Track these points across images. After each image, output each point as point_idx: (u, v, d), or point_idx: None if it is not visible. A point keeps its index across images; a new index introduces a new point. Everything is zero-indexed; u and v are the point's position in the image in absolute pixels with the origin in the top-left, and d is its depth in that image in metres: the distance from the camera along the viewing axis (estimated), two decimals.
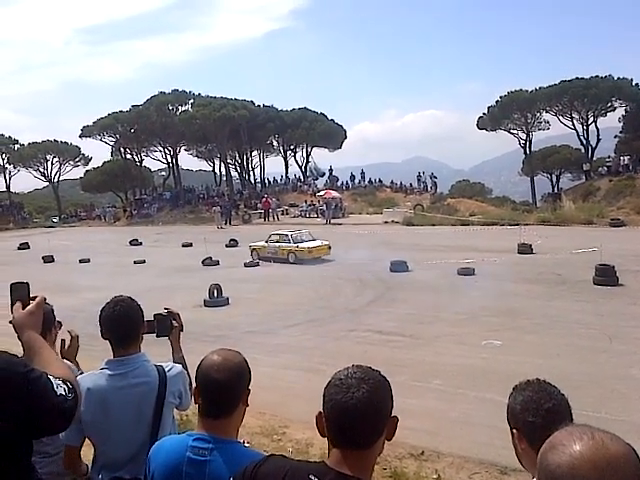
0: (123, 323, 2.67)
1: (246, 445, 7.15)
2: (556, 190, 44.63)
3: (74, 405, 1.78)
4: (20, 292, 1.99)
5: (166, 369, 2.73)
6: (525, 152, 46.86)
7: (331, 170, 53.12)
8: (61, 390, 1.74)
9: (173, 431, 2.78)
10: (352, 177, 51.19)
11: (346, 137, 57.96)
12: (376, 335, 11.42)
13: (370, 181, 50.35)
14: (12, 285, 1.99)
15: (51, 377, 1.73)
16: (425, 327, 11.80)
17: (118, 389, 2.60)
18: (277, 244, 23.13)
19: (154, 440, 2.58)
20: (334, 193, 41.81)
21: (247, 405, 2.11)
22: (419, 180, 47.49)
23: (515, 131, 46.01)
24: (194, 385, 2.07)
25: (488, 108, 46.01)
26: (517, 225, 26.33)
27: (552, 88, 42.69)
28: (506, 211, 33.38)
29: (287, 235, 23.21)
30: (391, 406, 1.60)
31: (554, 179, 47.20)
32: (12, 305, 1.97)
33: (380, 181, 50.31)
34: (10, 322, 1.97)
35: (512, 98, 43.98)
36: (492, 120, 45.66)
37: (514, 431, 1.88)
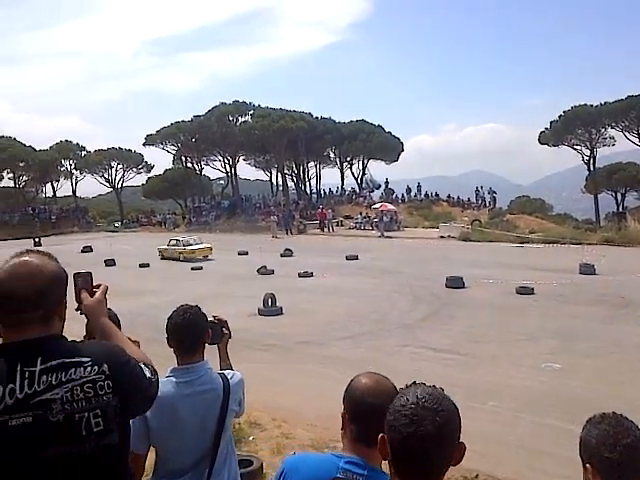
0: (190, 331, 2.71)
1: None
2: (621, 209, 43.10)
3: (157, 387, 1.89)
4: (84, 281, 2.03)
5: (228, 377, 2.77)
6: (589, 168, 45.58)
7: (387, 182, 52.96)
8: (148, 373, 1.84)
9: (230, 438, 2.85)
10: (408, 190, 50.88)
11: (403, 150, 57.72)
12: (430, 352, 11.24)
13: (427, 194, 49.92)
14: (75, 274, 2.02)
15: (140, 362, 1.83)
16: (481, 346, 11.54)
17: (185, 396, 2.62)
18: (173, 247, 29.58)
19: (217, 447, 2.67)
20: (389, 206, 41.64)
21: None
22: (477, 194, 46.79)
23: (578, 147, 44.88)
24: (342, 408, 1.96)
25: (550, 123, 45.01)
26: (579, 244, 25.55)
27: (618, 103, 41.47)
28: (567, 229, 32.42)
29: (179, 240, 30.08)
30: (460, 432, 1.49)
31: (619, 197, 45.61)
32: (77, 294, 2.02)
33: (437, 195, 49.81)
34: (77, 310, 2.01)
35: (576, 113, 42.92)
36: (555, 135, 44.64)
37: (587, 465, 1.79)
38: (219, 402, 2.69)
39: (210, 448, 2.66)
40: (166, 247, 30.41)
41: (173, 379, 2.66)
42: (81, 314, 2.02)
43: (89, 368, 1.63)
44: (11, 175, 61.29)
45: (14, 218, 56.59)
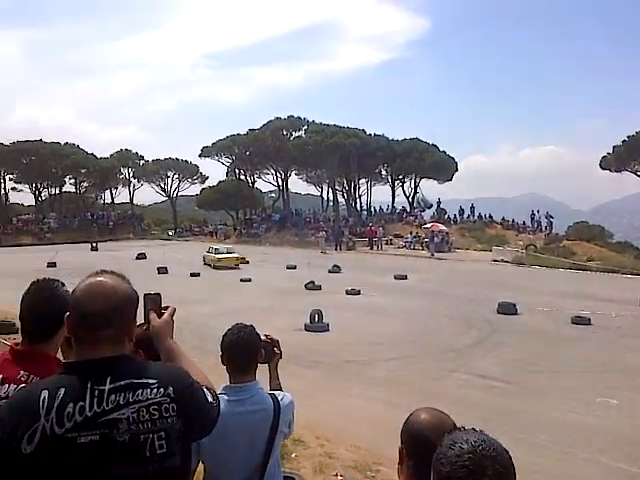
0: (244, 350, 2.73)
1: (339, 478, 6.96)
2: None
3: (219, 411, 1.90)
4: (153, 302, 2.08)
5: (279, 398, 2.78)
6: None
7: (439, 202, 52.43)
8: (210, 397, 1.86)
9: (278, 459, 2.85)
10: (461, 211, 50.20)
11: (457, 169, 57.16)
12: (478, 379, 10.92)
13: (480, 216, 49.03)
14: (146, 295, 2.07)
15: (202, 386, 1.85)
16: (532, 376, 11.16)
17: (236, 415, 2.62)
18: (210, 254, 32.34)
19: (265, 467, 2.68)
20: (441, 226, 41.20)
21: None
22: (533, 218, 45.76)
23: None
24: None
25: (613, 148, 43.65)
26: None
27: None
28: (628, 259, 31.32)
29: (215, 248, 33.22)
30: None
31: None
32: (146, 315, 2.07)
33: (491, 217, 48.87)
34: (145, 330, 2.06)
35: None
36: (617, 160, 43.23)
37: None
38: (269, 422, 2.70)
39: (258, 467, 2.67)
40: (207, 253, 33.11)
41: (225, 397, 2.64)
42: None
43: (155, 390, 1.66)
44: (73, 181, 63.82)
45: (74, 222, 58.52)
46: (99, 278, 1.75)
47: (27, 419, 1.56)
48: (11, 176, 61.21)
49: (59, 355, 2.44)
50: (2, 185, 61.05)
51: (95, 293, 1.70)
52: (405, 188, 57.56)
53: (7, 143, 59.37)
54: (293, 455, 6.86)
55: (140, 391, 1.64)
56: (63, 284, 2.38)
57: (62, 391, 1.59)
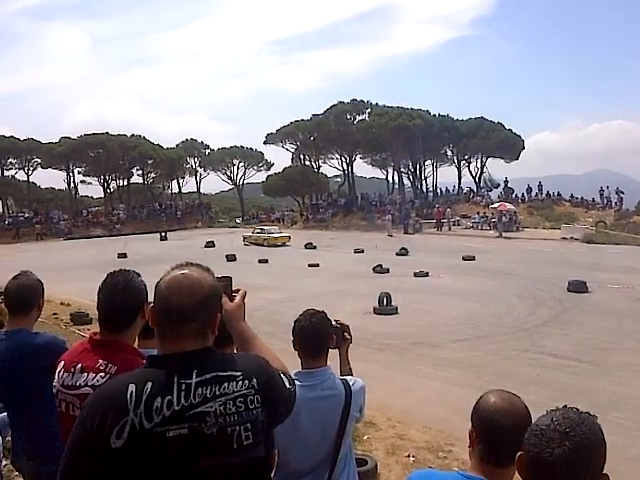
0: (317, 335, 2.74)
1: (411, 460, 7.07)
2: None
3: (295, 396, 1.92)
4: (224, 285, 2.03)
5: (350, 383, 2.78)
6: None
7: (506, 181, 51.19)
8: (287, 383, 1.87)
9: (350, 444, 2.87)
10: (529, 189, 48.86)
11: (524, 147, 55.61)
12: (550, 358, 10.83)
13: (548, 194, 47.59)
14: (217, 280, 2.05)
15: (279, 372, 1.86)
16: (604, 354, 10.98)
17: (308, 400, 2.61)
18: (259, 234, 36.82)
19: (337, 452, 2.70)
20: (508, 206, 40.32)
21: None
22: (602, 195, 44.05)
23: None
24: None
25: None
26: None
27: None
28: None
29: (264, 229, 37.95)
30: (602, 462, 1.40)
31: None
32: None
33: (559, 194, 47.38)
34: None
35: None
36: None
37: None
38: (341, 408, 2.70)
39: (330, 453, 2.69)
40: (251, 234, 37.81)
41: (297, 382, 2.61)
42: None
43: (240, 382, 1.67)
44: (140, 172, 65.13)
45: (142, 213, 59.96)
46: (184, 271, 1.74)
47: (115, 413, 1.57)
48: (80, 169, 62.60)
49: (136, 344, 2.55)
50: (72, 178, 62.70)
51: (180, 287, 1.69)
52: (471, 168, 56.53)
53: (75, 137, 60.96)
54: (365, 437, 7.02)
55: (226, 384, 1.65)
56: (139, 274, 2.47)
57: (149, 385, 1.60)
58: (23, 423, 3.15)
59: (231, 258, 28.24)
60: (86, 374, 2.25)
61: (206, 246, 35.92)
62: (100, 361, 2.25)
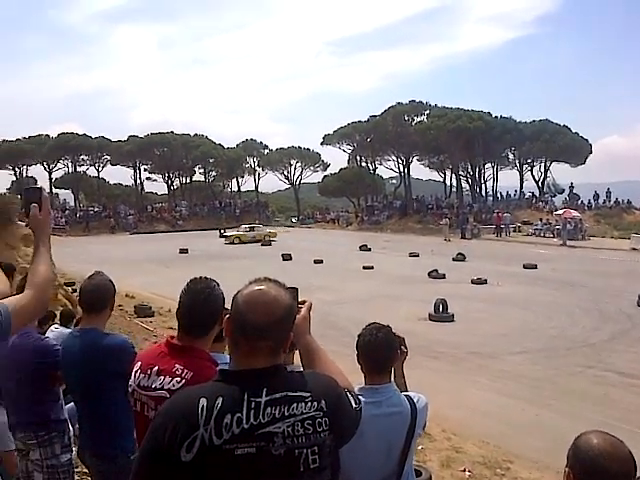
0: (383, 351, 2.67)
1: (467, 474, 6.81)
2: None
3: (361, 415, 1.88)
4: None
5: (414, 400, 2.73)
6: None
7: (571, 187, 49.66)
8: (353, 402, 1.83)
9: (413, 460, 2.82)
10: (596, 196, 47.17)
11: (591, 152, 53.61)
12: (617, 376, 10.30)
13: (617, 201, 45.72)
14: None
15: (345, 390, 1.82)
16: None
17: (373, 417, 2.55)
18: (247, 232, 40.45)
19: (402, 470, 2.65)
20: (573, 212, 38.99)
21: None
22: None
23: None
24: None
25: None
26: None
27: None
28: None
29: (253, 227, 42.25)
30: None
31: None
32: None
33: (629, 202, 45.45)
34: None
35: None
36: None
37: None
38: (406, 426, 2.65)
39: (395, 471, 2.64)
40: (243, 233, 40.62)
41: (362, 398, 2.52)
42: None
43: (309, 404, 1.64)
44: (202, 170, 66.97)
45: (203, 210, 61.52)
46: (262, 287, 1.73)
47: (186, 426, 1.57)
48: (146, 166, 65.09)
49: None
50: (138, 175, 65.25)
51: (257, 303, 1.68)
52: (534, 172, 54.93)
53: (142, 135, 63.50)
54: (420, 447, 6.81)
55: (295, 405, 1.63)
56: (218, 284, 2.51)
57: (220, 401, 1.60)
58: (88, 421, 3.28)
59: (287, 257, 28.38)
60: (162, 377, 2.32)
61: (263, 245, 36.31)
62: (177, 366, 2.31)
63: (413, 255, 28.73)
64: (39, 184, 56.27)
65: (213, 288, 2.45)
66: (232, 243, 38.77)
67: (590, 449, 1.74)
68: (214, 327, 2.42)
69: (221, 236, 40.93)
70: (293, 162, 66.51)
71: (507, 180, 60.64)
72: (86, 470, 3.89)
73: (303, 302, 2.06)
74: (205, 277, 2.52)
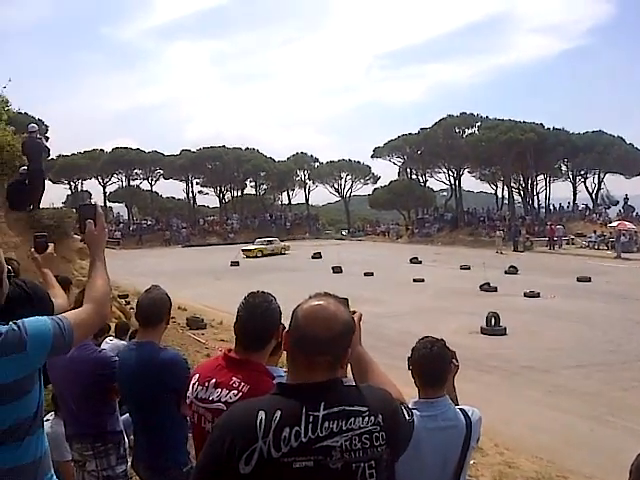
0: (438, 365, 2.68)
1: None
2: None
3: (414, 427, 1.89)
4: None
5: (469, 413, 2.72)
6: None
7: (626, 199, 48.36)
8: (406, 415, 1.83)
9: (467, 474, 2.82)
10: None
11: None
12: None
13: None
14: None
15: (399, 403, 1.84)
16: None
17: (428, 431, 2.55)
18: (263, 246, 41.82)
19: None
20: (629, 224, 37.99)
21: None
22: None
23: None
24: None
25: None
26: None
27: None
28: None
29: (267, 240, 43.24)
30: None
31: None
32: None
33: None
34: None
35: None
36: None
37: None
38: (462, 439, 2.64)
39: None
40: (264, 247, 41.81)
41: (417, 412, 2.55)
42: None
43: (367, 418, 1.65)
44: (253, 184, 68.04)
45: (254, 223, 62.26)
46: (321, 302, 1.74)
47: (244, 439, 1.59)
48: (198, 180, 66.35)
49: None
50: (190, 188, 66.61)
51: (317, 319, 1.69)
52: (587, 184, 53.87)
53: (194, 149, 64.96)
54: (472, 462, 6.88)
55: (352, 419, 1.63)
56: (275, 298, 2.54)
57: (278, 414, 1.61)
58: (144, 434, 3.32)
59: (337, 270, 28.54)
60: (220, 390, 2.34)
61: (313, 257, 36.55)
62: (234, 379, 2.33)
63: (464, 268, 28.58)
64: (93, 198, 58.62)
65: (270, 302, 2.47)
66: (255, 257, 39.43)
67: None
68: (271, 341, 2.45)
69: (242, 250, 39.89)
70: (343, 175, 66.82)
71: (560, 192, 59.42)
72: None
73: (353, 312, 2.03)
74: (262, 291, 2.54)
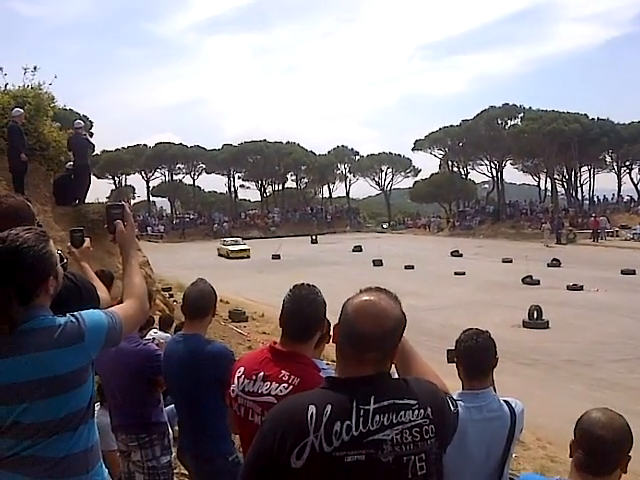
0: (483, 356, 2.69)
1: None
2: None
3: (458, 418, 1.89)
4: None
5: (513, 405, 2.73)
6: None
7: None
8: (452, 406, 1.84)
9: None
10: None
11: None
12: None
13: None
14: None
15: (445, 394, 1.87)
16: None
17: (474, 422, 2.57)
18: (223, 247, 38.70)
19: (501, 475, 2.68)
20: None
21: (625, 472, 2.08)
22: None
23: None
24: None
25: None
26: None
27: None
28: None
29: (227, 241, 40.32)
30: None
31: None
32: None
33: None
34: None
35: None
36: None
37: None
38: (506, 430, 2.66)
39: (494, 476, 2.66)
40: (221, 246, 39.28)
41: (462, 403, 2.54)
42: None
43: (416, 411, 1.65)
44: (294, 177, 68.41)
45: (295, 216, 62.82)
46: (372, 297, 1.73)
47: (295, 433, 1.59)
48: (239, 174, 67.20)
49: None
50: (232, 182, 67.53)
51: (367, 314, 1.69)
52: (633, 175, 52.61)
53: (236, 144, 65.66)
54: (514, 456, 6.96)
55: (403, 412, 1.63)
56: (320, 290, 2.54)
57: (329, 408, 1.60)
58: (190, 424, 3.34)
59: (377, 263, 28.62)
60: (269, 383, 2.32)
61: (354, 250, 36.63)
62: (283, 372, 2.32)
63: (506, 261, 28.37)
64: (132, 195, 58.92)
65: (317, 294, 2.46)
66: (228, 257, 36.42)
67: (588, 419, 2.05)
68: (316, 333, 2.44)
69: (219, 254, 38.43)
70: (384, 168, 66.73)
71: (605, 183, 58.24)
72: (184, 472, 4.08)
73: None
74: (307, 284, 2.52)
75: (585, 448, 2.00)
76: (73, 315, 1.95)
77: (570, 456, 2.07)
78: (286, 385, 2.27)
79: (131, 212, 2.51)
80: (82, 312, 1.98)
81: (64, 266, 2.22)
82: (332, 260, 31.52)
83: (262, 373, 2.35)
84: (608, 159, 53.44)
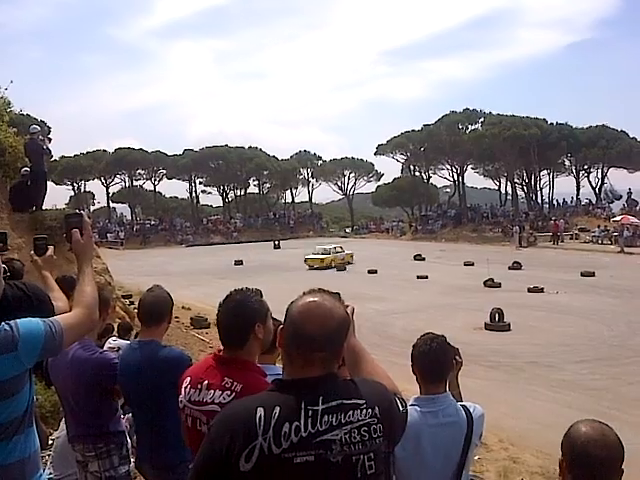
0: (438, 361, 2.66)
1: None
2: None
3: (407, 417, 1.88)
4: None
5: (471, 410, 2.70)
6: None
7: (630, 193, 48.16)
8: (400, 406, 1.82)
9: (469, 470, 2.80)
10: None
11: None
12: None
13: None
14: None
15: (393, 394, 1.84)
16: None
17: (429, 427, 2.56)
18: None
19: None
20: (632, 219, 37.96)
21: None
22: None
23: None
24: None
25: None
26: None
27: None
28: None
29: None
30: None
31: None
32: None
33: None
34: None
35: None
36: None
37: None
38: (463, 435, 2.62)
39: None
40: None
41: (418, 408, 2.60)
42: None
43: (364, 411, 1.65)
44: (256, 182, 67.75)
45: (257, 222, 62.29)
46: (316, 298, 1.73)
47: (244, 436, 1.57)
48: (201, 179, 66.57)
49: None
50: (194, 188, 66.77)
51: (312, 315, 1.68)
52: (591, 179, 53.65)
53: (197, 149, 65.15)
54: (476, 458, 6.88)
55: (351, 412, 1.63)
56: (260, 293, 2.53)
57: (277, 410, 1.60)
58: (148, 432, 3.29)
59: (341, 268, 28.58)
60: (212, 391, 2.31)
61: None
62: (226, 379, 2.30)
63: (468, 264, 28.62)
64: (91, 201, 57.99)
65: (245, 298, 2.45)
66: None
67: (579, 437, 1.83)
68: (249, 337, 2.39)
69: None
70: (347, 172, 66.80)
71: (563, 187, 59.29)
72: None
73: (346, 306, 1.97)
74: (247, 288, 2.52)
75: (581, 470, 1.84)
76: (7, 323, 1.90)
77: (559, 475, 1.92)
78: (229, 392, 2.27)
79: (90, 220, 2.51)
80: (18, 320, 1.93)
81: (7, 276, 2.22)
82: (295, 265, 31.32)
83: (206, 382, 2.33)
84: (567, 163, 54.52)
